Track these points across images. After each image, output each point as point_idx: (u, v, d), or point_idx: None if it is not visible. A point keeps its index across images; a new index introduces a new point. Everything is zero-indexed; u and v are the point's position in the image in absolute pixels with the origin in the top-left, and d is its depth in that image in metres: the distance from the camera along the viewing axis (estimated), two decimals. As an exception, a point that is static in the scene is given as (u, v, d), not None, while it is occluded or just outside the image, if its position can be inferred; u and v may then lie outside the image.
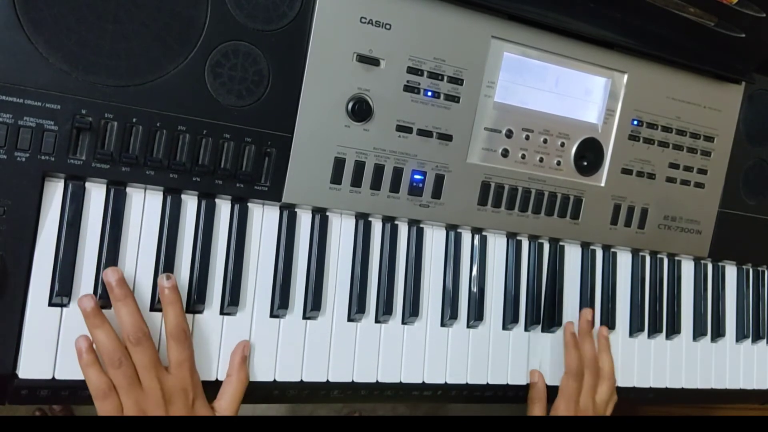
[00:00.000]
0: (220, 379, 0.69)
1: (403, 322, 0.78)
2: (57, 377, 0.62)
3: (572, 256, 0.90)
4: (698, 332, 0.98)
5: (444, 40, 0.75)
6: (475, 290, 0.82)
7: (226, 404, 0.67)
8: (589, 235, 0.88)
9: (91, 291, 0.63)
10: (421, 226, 0.80)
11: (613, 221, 0.88)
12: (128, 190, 0.66)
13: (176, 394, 0.64)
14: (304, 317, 0.73)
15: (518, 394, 0.85)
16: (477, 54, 0.77)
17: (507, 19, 0.78)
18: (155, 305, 0.66)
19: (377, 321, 0.77)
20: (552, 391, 0.86)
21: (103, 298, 0.63)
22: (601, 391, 0.87)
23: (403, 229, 0.79)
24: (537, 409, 0.85)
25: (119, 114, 0.63)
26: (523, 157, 0.82)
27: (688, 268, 0.99)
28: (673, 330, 0.96)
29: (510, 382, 0.84)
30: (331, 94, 0.71)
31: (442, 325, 0.80)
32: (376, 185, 0.75)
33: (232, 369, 0.68)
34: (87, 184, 0.64)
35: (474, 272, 0.83)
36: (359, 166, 0.74)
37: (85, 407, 0.61)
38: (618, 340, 0.91)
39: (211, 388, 0.67)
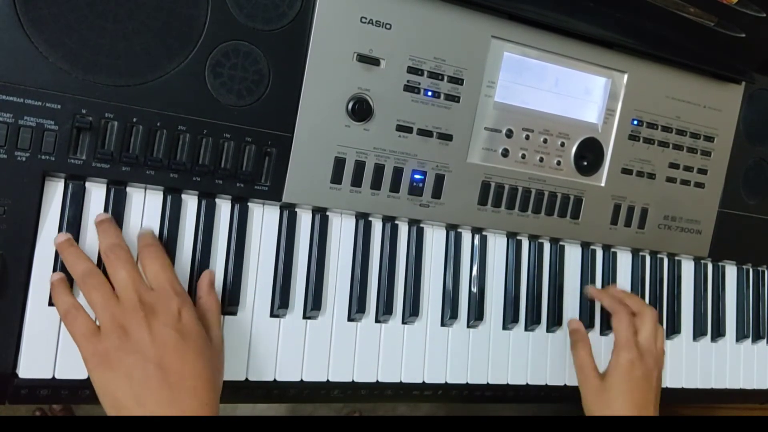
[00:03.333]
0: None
1: (403, 322, 0.78)
2: (57, 377, 0.62)
3: (572, 256, 0.90)
4: (698, 332, 0.98)
5: (444, 40, 0.75)
6: (475, 290, 0.82)
7: (212, 320, 0.64)
8: (589, 235, 0.88)
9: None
10: (422, 225, 0.80)
11: (613, 221, 0.88)
12: (128, 189, 0.66)
13: (157, 305, 0.59)
14: (304, 317, 0.73)
15: (518, 394, 0.85)
16: (477, 54, 0.77)
17: (507, 19, 0.78)
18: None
19: (377, 321, 0.77)
20: (562, 392, 0.86)
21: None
22: (659, 338, 0.85)
23: (403, 229, 0.79)
24: (582, 350, 0.83)
25: (119, 113, 0.63)
26: (523, 156, 0.82)
27: (688, 268, 0.99)
28: (673, 330, 0.96)
29: (510, 382, 0.84)
30: (332, 93, 0.71)
31: (442, 324, 0.80)
32: (376, 185, 0.75)
33: (201, 291, 0.66)
34: (87, 184, 0.64)
35: (474, 272, 0.83)
36: (359, 166, 0.74)
37: (85, 407, 0.61)
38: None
39: (212, 388, 0.67)
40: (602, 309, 0.91)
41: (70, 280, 0.62)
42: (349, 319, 0.75)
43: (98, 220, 0.63)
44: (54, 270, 0.62)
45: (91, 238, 0.64)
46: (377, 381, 0.76)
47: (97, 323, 0.59)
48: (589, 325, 0.89)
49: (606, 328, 0.90)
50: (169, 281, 0.62)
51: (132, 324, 0.57)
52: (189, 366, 0.58)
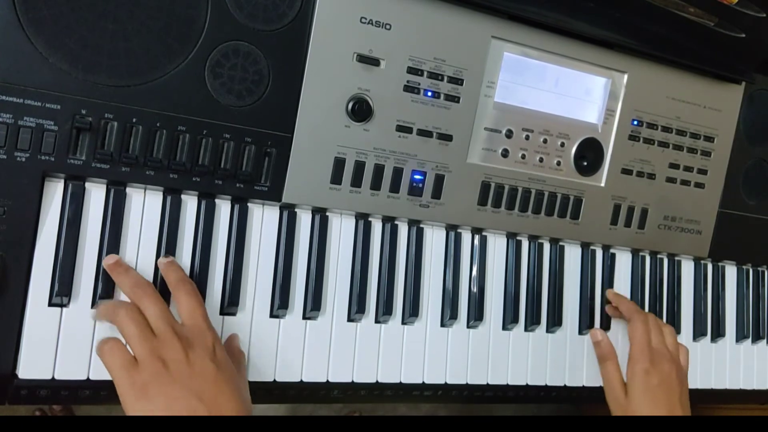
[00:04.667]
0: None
1: (403, 323, 0.78)
2: (57, 377, 0.62)
3: (572, 256, 0.90)
4: (698, 332, 0.98)
5: (444, 40, 0.75)
6: (475, 290, 0.82)
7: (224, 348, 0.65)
8: (589, 236, 0.88)
9: (90, 291, 0.63)
10: (421, 226, 0.80)
11: (613, 221, 0.88)
12: (128, 190, 0.66)
13: (194, 339, 0.60)
14: (304, 317, 0.73)
15: (518, 394, 0.85)
16: (477, 54, 0.77)
17: (507, 19, 0.78)
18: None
19: (377, 321, 0.77)
20: (562, 393, 0.86)
21: (102, 297, 0.63)
22: (668, 337, 0.87)
23: (403, 229, 0.79)
24: (610, 366, 0.85)
25: (119, 114, 0.63)
26: (523, 157, 0.82)
27: (688, 268, 0.99)
28: (673, 330, 0.96)
29: (510, 382, 0.84)
30: (331, 94, 0.71)
31: (442, 325, 0.80)
32: (376, 185, 0.75)
33: (230, 348, 0.67)
34: (87, 184, 0.64)
35: (474, 272, 0.83)
36: (359, 166, 0.74)
37: (86, 407, 0.61)
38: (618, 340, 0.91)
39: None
40: (602, 309, 0.91)
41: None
42: (349, 320, 0.75)
43: (111, 264, 0.63)
44: (54, 271, 0.62)
45: (90, 238, 0.64)
46: (377, 381, 0.76)
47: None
48: (589, 325, 0.89)
49: (606, 327, 0.90)
50: (203, 317, 0.63)
51: (171, 355, 0.58)
52: (225, 399, 0.59)
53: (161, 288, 0.65)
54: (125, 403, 0.57)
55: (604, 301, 0.91)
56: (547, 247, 0.88)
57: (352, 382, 0.75)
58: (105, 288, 0.63)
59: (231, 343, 0.68)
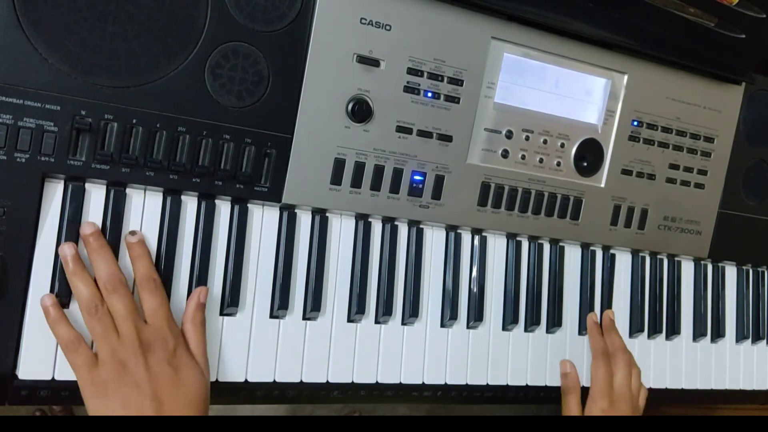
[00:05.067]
0: (220, 380, 0.69)
1: (403, 323, 0.78)
2: (57, 378, 0.62)
3: (572, 256, 0.90)
4: (698, 333, 0.98)
5: (444, 40, 0.75)
6: (475, 291, 0.82)
7: (195, 351, 0.65)
8: (589, 236, 0.88)
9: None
10: (421, 226, 0.80)
11: (613, 222, 0.88)
12: (128, 191, 0.66)
13: (155, 342, 0.62)
14: (304, 318, 0.73)
15: (518, 394, 0.85)
16: (477, 55, 0.77)
17: (507, 20, 0.78)
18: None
19: (377, 322, 0.77)
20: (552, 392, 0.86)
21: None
22: (634, 378, 0.87)
23: (403, 230, 0.79)
24: (572, 400, 0.85)
25: (119, 115, 0.63)
26: (523, 157, 0.82)
27: (688, 269, 0.99)
28: (673, 330, 0.96)
29: (510, 383, 0.84)
30: (331, 94, 0.71)
31: (442, 325, 0.80)
32: (376, 186, 0.75)
33: (186, 316, 0.66)
34: (87, 185, 0.64)
35: (474, 273, 0.83)
36: (359, 167, 0.74)
37: (85, 407, 0.61)
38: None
39: (212, 389, 0.67)
40: (602, 310, 0.91)
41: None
42: (349, 320, 0.75)
43: (88, 234, 0.62)
44: (54, 271, 0.62)
45: (90, 239, 0.64)
46: (377, 382, 0.76)
47: (94, 350, 0.61)
48: (589, 325, 0.89)
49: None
50: (166, 319, 0.64)
51: (131, 359, 0.60)
52: (182, 398, 0.61)
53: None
54: (84, 398, 0.60)
55: (605, 306, 0.91)
56: (547, 247, 0.88)
57: (352, 382, 0.75)
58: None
59: (186, 318, 0.66)
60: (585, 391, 0.87)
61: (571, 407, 0.85)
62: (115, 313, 0.61)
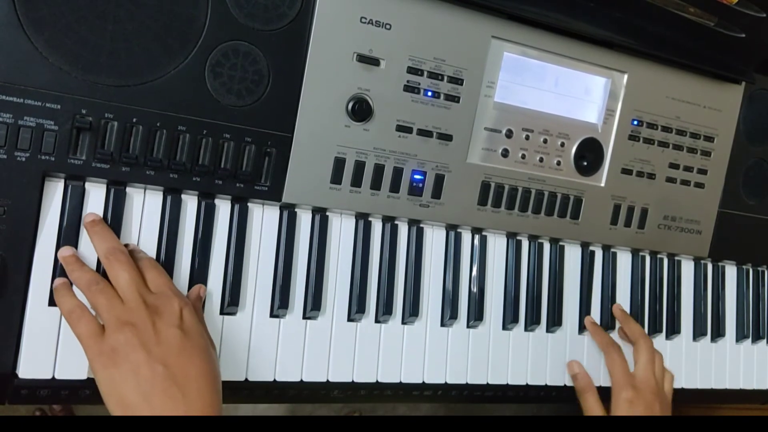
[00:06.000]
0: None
1: (403, 322, 0.78)
2: (57, 377, 0.62)
3: (572, 256, 0.90)
4: (698, 332, 0.98)
5: (444, 40, 0.75)
6: (475, 290, 0.82)
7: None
8: (589, 235, 0.88)
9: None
10: (421, 226, 0.80)
11: (613, 221, 0.88)
12: (128, 190, 0.66)
13: (161, 306, 0.60)
14: (304, 317, 0.73)
15: (518, 394, 0.85)
16: (477, 54, 0.77)
17: (507, 19, 0.78)
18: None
19: (377, 321, 0.77)
20: (562, 393, 0.86)
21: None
22: (657, 363, 0.87)
23: (403, 229, 0.79)
24: (590, 398, 0.84)
25: (119, 114, 0.63)
26: (523, 157, 0.82)
27: (688, 268, 0.99)
28: (673, 330, 0.96)
29: (510, 382, 0.84)
30: (331, 94, 0.71)
31: (442, 325, 0.80)
32: (376, 185, 0.75)
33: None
34: (87, 184, 0.64)
35: (474, 272, 0.83)
36: (359, 166, 0.74)
37: (85, 407, 0.61)
38: (617, 340, 0.91)
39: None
40: (602, 309, 0.91)
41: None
42: (349, 320, 0.75)
43: (89, 222, 0.63)
44: (54, 271, 0.62)
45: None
46: (377, 381, 0.76)
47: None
48: (589, 325, 0.89)
49: (606, 326, 0.90)
50: (167, 284, 0.63)
51: (138, 321, 0.58)
52: (194, 366, 0.58)
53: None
54: (93, 371, 0.57)
55: (606, 305, 0.91)
56: (547, 247, 0.88)
57: (352, 381, 0.75)
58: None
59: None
60: (600, 390, 0.87)
61: (591, 405, 0.84)
62: (118, 282, 0.60)
